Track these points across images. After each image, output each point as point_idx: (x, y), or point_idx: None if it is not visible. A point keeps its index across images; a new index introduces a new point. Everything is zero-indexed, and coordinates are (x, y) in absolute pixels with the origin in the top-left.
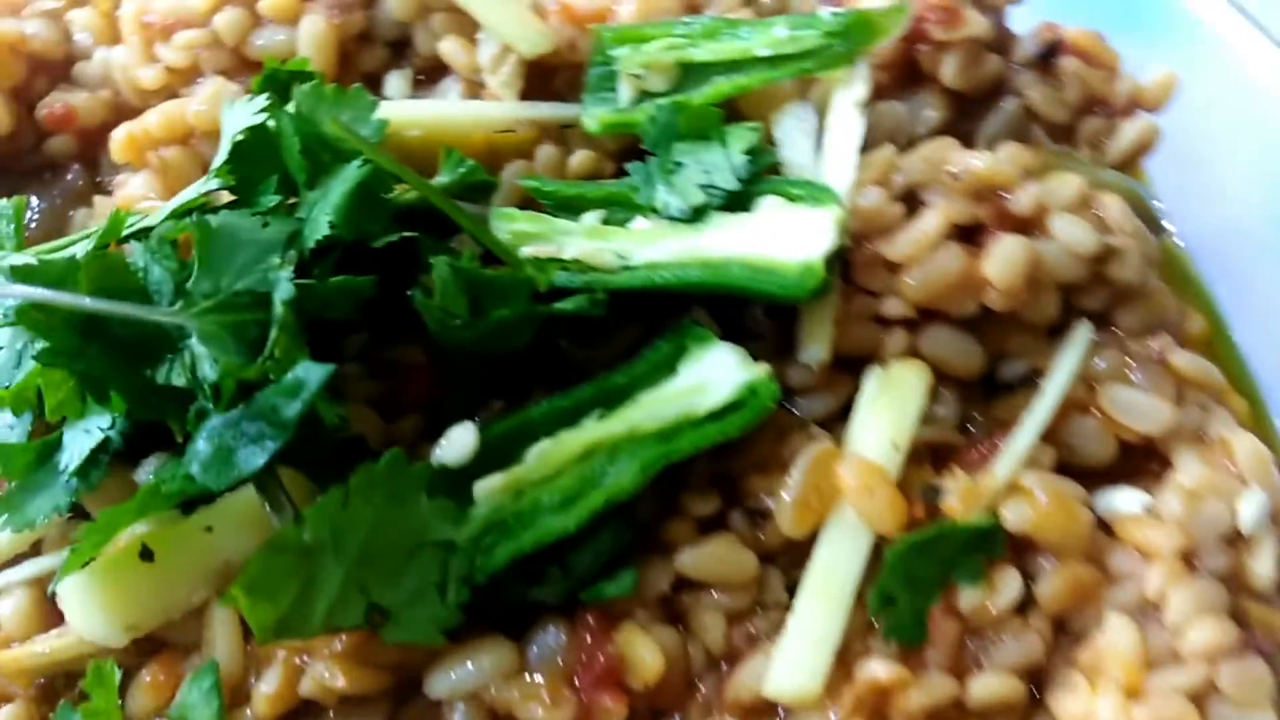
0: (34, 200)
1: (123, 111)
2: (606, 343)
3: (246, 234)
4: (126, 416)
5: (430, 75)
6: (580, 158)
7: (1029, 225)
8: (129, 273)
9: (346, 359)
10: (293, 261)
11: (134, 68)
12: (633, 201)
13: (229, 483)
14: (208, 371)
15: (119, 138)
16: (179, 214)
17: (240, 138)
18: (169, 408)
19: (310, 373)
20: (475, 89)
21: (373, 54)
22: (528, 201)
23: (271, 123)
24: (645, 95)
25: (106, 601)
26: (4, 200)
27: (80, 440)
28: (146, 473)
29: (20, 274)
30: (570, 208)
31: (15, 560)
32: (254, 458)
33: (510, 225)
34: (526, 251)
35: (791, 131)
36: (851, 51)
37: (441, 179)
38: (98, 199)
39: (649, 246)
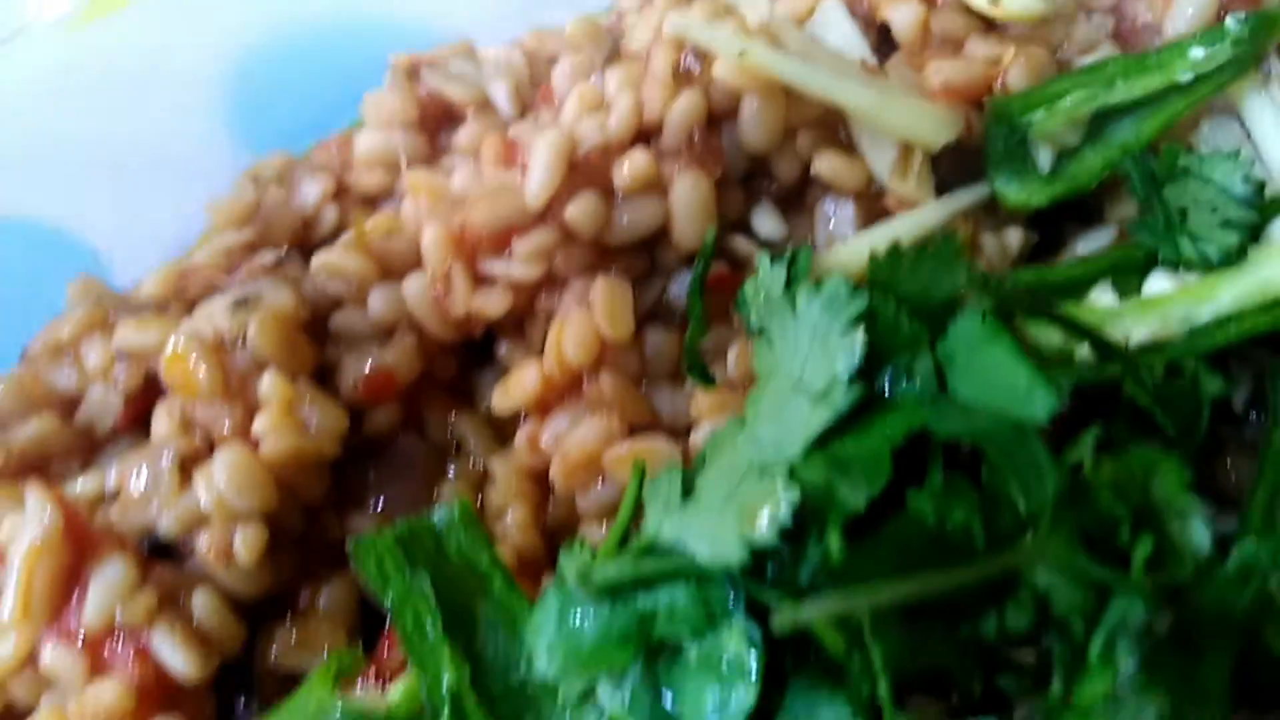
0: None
1: (431, 356)
2: None
3: None
4: None
5: (788, 203)
6: (1016, 237)
7: None
8: None
9: None
10: None
11: (464, 299)
12: (1137, 263)
13: None
14: None
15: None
16: None
17: None
18: None
19: None
20: (871, 203)
21: (730, 198)
22: None
23: None
24: (1063, 154)
25: None
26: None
27: None
28: None
29: None
30: (1070, 290)
31: None
32: None
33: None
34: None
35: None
36: (1258, 53)
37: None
38: None
39: (1207, 303)
